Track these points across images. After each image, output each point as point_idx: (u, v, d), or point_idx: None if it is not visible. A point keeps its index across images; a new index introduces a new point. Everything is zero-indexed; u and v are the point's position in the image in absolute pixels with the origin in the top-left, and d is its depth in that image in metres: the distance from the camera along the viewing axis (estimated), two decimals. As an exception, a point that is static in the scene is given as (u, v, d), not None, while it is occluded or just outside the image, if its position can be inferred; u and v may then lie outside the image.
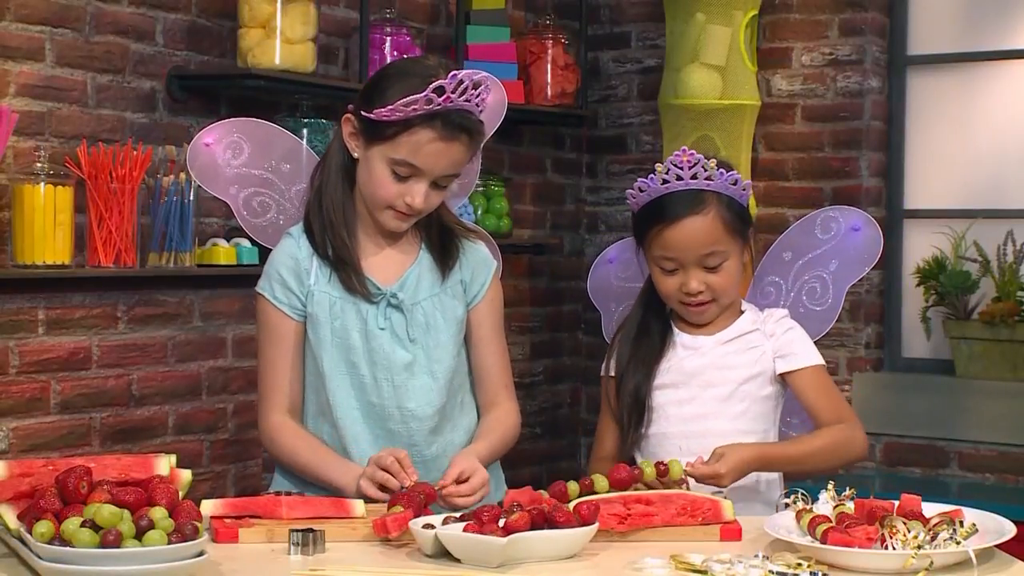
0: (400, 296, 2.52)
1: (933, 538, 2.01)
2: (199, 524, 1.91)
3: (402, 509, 2.18)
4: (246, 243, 3.65)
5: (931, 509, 2.14)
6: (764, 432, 2.63)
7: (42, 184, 3.26)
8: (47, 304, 3.41)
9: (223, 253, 3.63)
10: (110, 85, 3.54)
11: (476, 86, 2.43)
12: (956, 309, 4.46)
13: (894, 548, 2.00)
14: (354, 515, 2.24)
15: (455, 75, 2.40)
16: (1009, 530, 2.09)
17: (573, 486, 2.32)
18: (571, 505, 2.16)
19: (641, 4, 4.98)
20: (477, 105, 2.45)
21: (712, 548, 2.11)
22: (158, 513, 1.90)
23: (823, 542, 2.03)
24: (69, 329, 3.46)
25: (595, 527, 2.12)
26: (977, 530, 2.04)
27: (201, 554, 1.89)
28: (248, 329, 3.80)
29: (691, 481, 2.44)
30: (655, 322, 2.68)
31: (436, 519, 2.14)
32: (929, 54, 4.70)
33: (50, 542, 1.86)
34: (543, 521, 2.08)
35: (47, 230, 3.25)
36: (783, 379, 2.65)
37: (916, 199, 4.72)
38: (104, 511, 1.87)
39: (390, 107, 2.40)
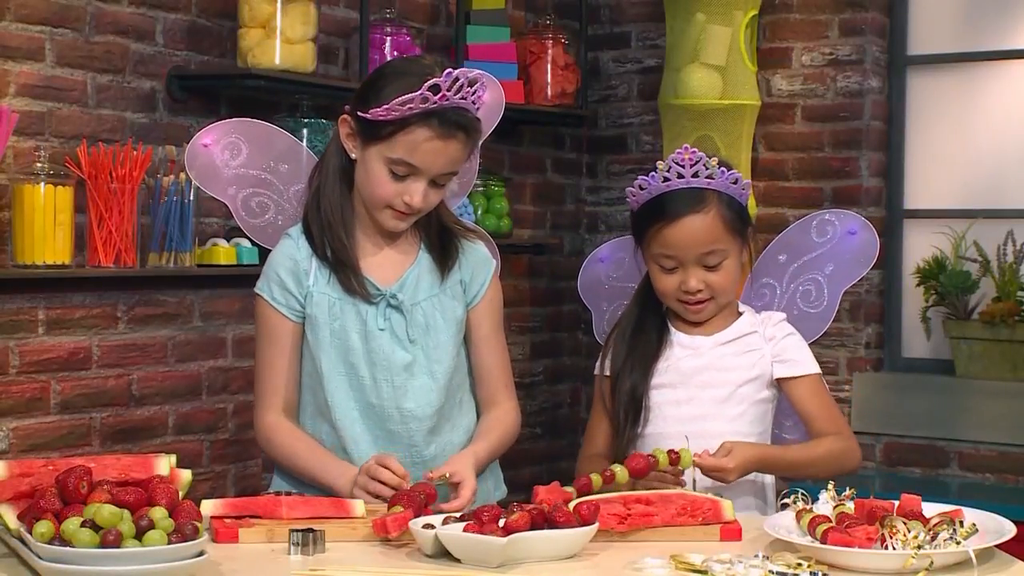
0: (400, 296, 2.52)
1: (933, 538, 2.01)
2: (199, 524, 1.91)
3: (402, 509, 2.18)
4: (246, 243, 3.64)
5: (931, 509, 2.14)
6: (760, 435, 2.64)
7: (42, 184, 3.26)
8: (47, 304, 3.41)
9: (223, 253, 3.63)
10: (110, 85, 3.54)
11: (472, 83, 2.43)
12: (956, 309, 4.46)
13: (894, 548, 2.00)
14: (354, 515, 2.24)
15: (450, 73, 2.40)
16: (1009, 530, 2.09)
17: (597, 478, 2.33)
18: (571, 505, 2.17)
19: (641, 4, 4.98)
20: (474, 103, 2.45)
21: (712, 548, 2.12)
22: (158, 513, 1.90)
23: (823, 542, 2.03)
24: (69, 329, 3.46)
25: (595, 527, 2.12)
26: (977, 530, 2.04)
27: (201, 554, 1.89)
28: (248, 329, 3.80)
29: (689, 475, 2.44)
30: (652, 321, 2.68)
31: (436, 519, 2.14)
32: (929, 54, 4.70)
33: (50, 542, 1.86)
34: (543, 521, 2.08)
35: (47, 230, 3.25)
36: (779, 384, 2.65)
37: (916, 199, 4.72)
38: (104, 511, 1.87)
39: (386, 106, 2.40)
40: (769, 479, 2.67)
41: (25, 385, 3.37)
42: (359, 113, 2.45)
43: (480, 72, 2.48)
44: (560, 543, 2.07)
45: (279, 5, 3.65)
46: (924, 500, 2.17)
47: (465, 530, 2.05)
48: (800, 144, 4.72)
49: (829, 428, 2.61)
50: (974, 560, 1.97)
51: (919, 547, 1.98)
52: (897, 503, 2.15)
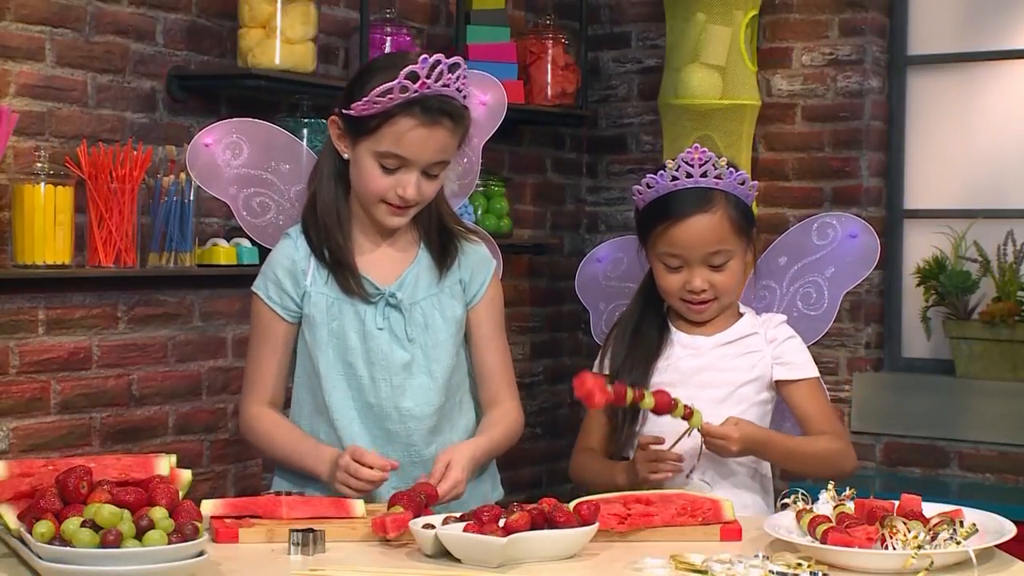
0: (399, 295, 2.52)
1: (933, 538, 2.01)
2: (199, 524, 1.91)
3: (402, 509, 2.18)
4: (246, 243, 3.64)
5: (931, 509, 2.15)
6: None
7: (42, 184, 3.25)
8: (47, 304, 3.41)
9: (223, 253, 3.63)
10: (110, 85, 3.54)
11: (453, 69, 2.42)
12: (956, 309, 4.46)
13: (894, 548, 2.00)
14: (354, 515, 2.24)
15: (426, 59, 2.39)
16: (1009, 530, 2.09)
17: (631, 392, 2.37)
18: (571, 505, 2.17)
19: (641, 4, 4.98)
20: (459, 89, 2.44)
21: (712, 548, 2.12)
22: (158, 513, 1.90)
23: (823, 542, 2.03)
24: (69, 329, 3.46)
25: (595, 527, 2.12)
26: (977, 530, 2.04)
27: (201, 554, 1.89)
28: (248, 329, 3.79)
29: (690, 460, 2.44)
30: (653, 320, 2.68)
31: (436, 519, 2.14)
32: (929, 54, 4.70)
33: (50, 542, 1.86)
34: (543, 521, 2.08)
35: (47, 230, 3.25)
36: (777, 386, 2.65)
37: (916, 199, 4.72)
38: (104, 511, 1.87)
39: (366, 99, 2.41)
40: (768, 472, 2.67)
41: (25, 385, 3.37)
42: (344, 111, 2.46)
43: (459, 59, 2.45)
44: (560, 543, 2.07)
45: (279, 5, 3.65)
46: (924, 500, 2.17)
47: (465, 530, 2.05)
48: (800, 144, 4.72)
49: (826, 430, 2.62)
50: (974, 560, 1.97)
51: (919, 547, 1.98)
52: (897, 503, 2.15)
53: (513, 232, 4.59)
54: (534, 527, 2.06)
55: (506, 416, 2.60)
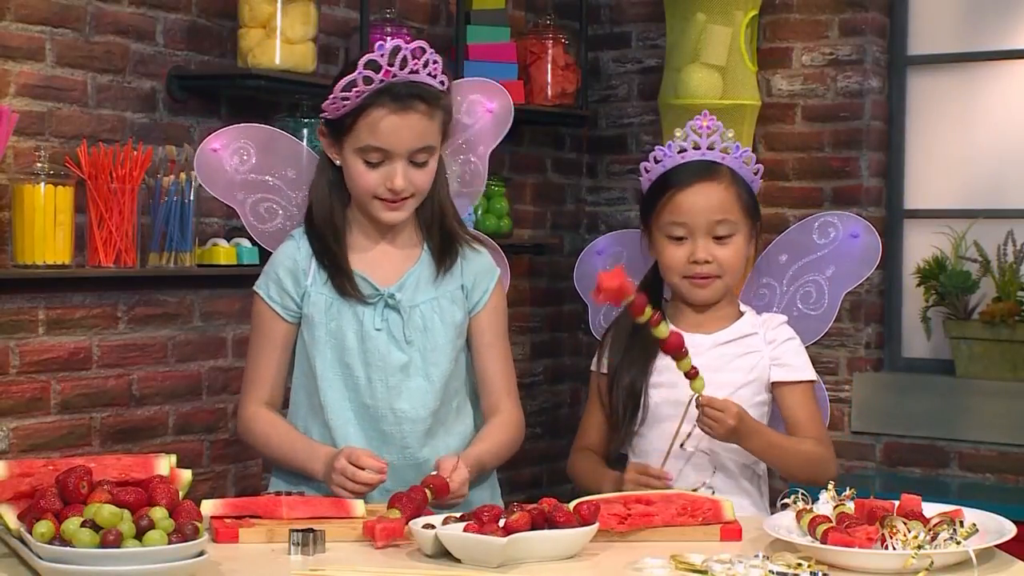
0: (398, 297, 2.52)
1: (933, 538, 2.01)
2: (199, 524, 1.91)
3: (398, 514, 2.17)
4: (246, 243, 3.64)
5: (931, 509, 2.15)
6: None
7: (42, 184, 3.25)
8: (47, 304, 3.41)
9: (223, 253, 3.63)
10: (110, 85, 3.54)
11: (419, 54, 2.43)
12: (956, 309, 4.46)
13: (894, 548, 2.00)
14: (354, 515, 2.24)
15: (382, 45, 2.40)
16: (1009, 530, 2.09)
17: (649, 311, 2.38)
18: (571, 505, 2.17)
19: (641, 4, 4.98)
20: (431, 74, 2.45)
21: (712, 548, 2.12)
22: (158, 513, 1.90)
23: (823, 542, 2.03)
24: (69, 329, 3.46)
25: (595, 527, 2.12)
26: (977, 530, 2.04)
27: (201, 554, 1.89)
28: (248, 329, 3.79)
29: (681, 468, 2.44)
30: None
31: (436, 519, 2.14)
32: (929, 54, 4.70)
33: (50, 542, 1.86)
34: (543, 521, 2.08)
35: (47, 230, 3.25)
36: (772, 387, 2.65)
37: (916, 199, 4.72)
38: (104, 511, 1.87)
39: (333, 97, 2.43)
40: (765, 473, 2.67)
41: (25, 385, 3.37)
42: (323, 116, 2.48)
43: (422, 42, 2.44)
44: (560, 543, 2.07)
45: (279, 5, 3.65)
46: (924, 500, 2.17)
47: (465, 530, 2.05)
48: (800, 144, 4.72)
49: (812, 436, 2.62)
50: (974, 560, 1.97)
51: (919, 547, 1.98)
52: (897, 503, 2.15)
53: (513, 232, 4.58)
54: (534, 527, 2.06)
55: (507, 424, 2.59)
